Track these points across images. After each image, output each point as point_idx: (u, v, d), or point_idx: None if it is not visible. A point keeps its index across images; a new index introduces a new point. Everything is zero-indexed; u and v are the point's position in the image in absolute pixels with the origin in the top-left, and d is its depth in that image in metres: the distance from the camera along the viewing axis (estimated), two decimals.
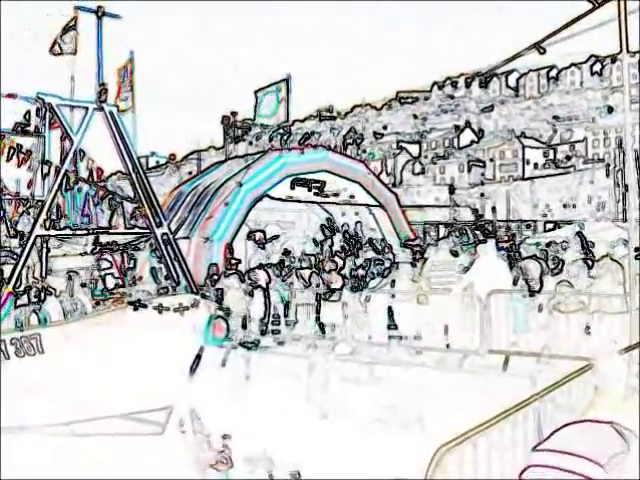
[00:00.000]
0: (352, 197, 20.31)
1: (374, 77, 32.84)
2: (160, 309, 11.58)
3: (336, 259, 14.99)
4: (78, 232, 13.84)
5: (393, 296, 12.55)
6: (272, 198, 18.53)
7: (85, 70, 14.13)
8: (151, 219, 14.46)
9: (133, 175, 14.37)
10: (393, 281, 13.29)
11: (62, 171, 13.52)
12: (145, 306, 11.74)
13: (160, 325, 11.21)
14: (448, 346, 11.27)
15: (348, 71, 30.90)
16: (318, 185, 19.53)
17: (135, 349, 10.29)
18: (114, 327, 11.07)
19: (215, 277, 13.97)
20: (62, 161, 13.65)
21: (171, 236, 14.94)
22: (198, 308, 11.94)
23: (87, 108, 14.01)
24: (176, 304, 11.80)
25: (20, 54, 14.72)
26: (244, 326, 12.81)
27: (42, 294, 12.45)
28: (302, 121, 36.43)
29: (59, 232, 13.56)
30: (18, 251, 13.00)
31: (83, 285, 13.22)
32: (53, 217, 13.38)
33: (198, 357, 11.37)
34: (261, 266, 14.28)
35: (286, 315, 13.47)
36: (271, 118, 18.22)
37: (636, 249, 10.37)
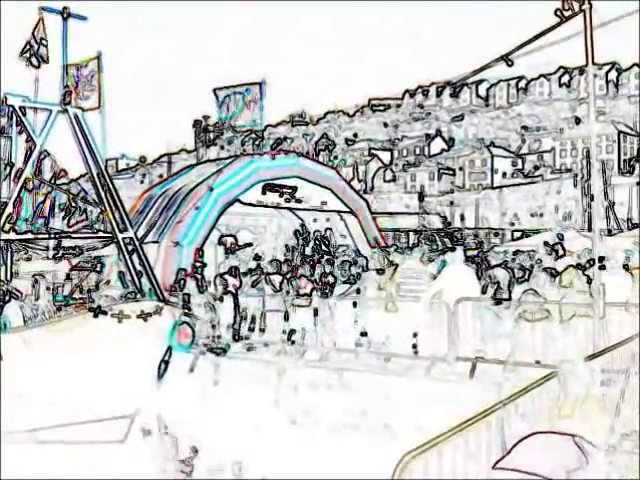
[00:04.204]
0: (324, 203, 20.35)
1: (347, 84, 33.02)
2: (120, 317, 11.44)
3: (307, 265, 15.00)
4: (39, 236, 13.61)
5: (354, 304, 12.58)
6: (243, 203, 18.48)
7: (51, 71, 13.97)
8: (114, 223, 14.26)
9: (96, 178, 14.19)
10: (358, 289, 13.35)
11: (24, 173, 13.31)
12: (105, 313, 11.59)
13: (122, 331, 11.07)
14: (415, 346, 11.33)
15: (321, 77, 30.99)
16: (289, 191, 19.54)
17: (97, 356, 10.16)
18: (75, 333, 10.90)
19: (183, 282, 13.84)
20: (24, 163, 13.43)
21: (137, 241, 14.75)
22: (161, 315, 11.81)
23: (50, 110, 13.82)
24: (138, 311, 11.66)
25: None
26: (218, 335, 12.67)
27: (7, 297, 12.23)
28: (274, 126, 36.42)
29: (20, 236, 13.32)
30: None
31: (49, 289, 13.03)
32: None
33: (166, 363, 11.25)
34: (231, 271, 14.16)
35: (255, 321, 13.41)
36: (233, 119, 18.10)
37: (600, 258, 10.55)
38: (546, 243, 15.08)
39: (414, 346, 11.40)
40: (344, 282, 13.87)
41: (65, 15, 13.91)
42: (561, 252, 14.16)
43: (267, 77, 18.35)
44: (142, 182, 32.35)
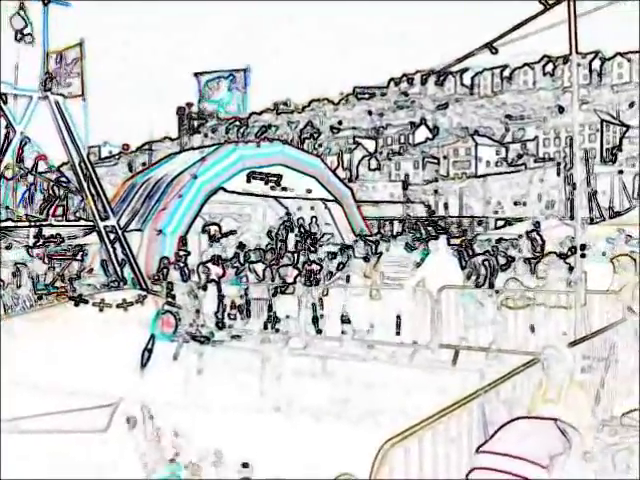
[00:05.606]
0: (309, 191, 20.32)
1: (332, 72, 32.93)
2: (101, 306, 11.36)
3: (293, 254, 14.99)
4: (20, 224, 13.46)
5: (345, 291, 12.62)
6: (227, 191, 18.40)
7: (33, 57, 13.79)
8: (95, 212, 14.14)
9: (78, 166, 14.04)
10: (348, 276, 13.37)
11: (3, 161, 13.15)
12: (86, 302, 11.50)
13: (104, 320, 11.01)
14: (399, 333, 11.37)
15: (306, 65, 30.88)
16: (274, 179, 19.48)
17: (79, 345, 10.11)
18: (56, 322, 10.83)
19: (166, 270, 13.74)
20: (4, 151, 13.28)
21: (119, 230, 14.63)
22: (143, 304, 11.74)
23: (31, 97, 13.65)
24: (119, 300, 11.59)
25: None
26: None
27: None
28: (259, 114, 36.24)
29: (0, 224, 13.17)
30: None
31: (31, 277, 12.90)
32: None
33: (149, 351, 11.20)
34: (215, 259, 14.09)
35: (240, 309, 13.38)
36: (224, 106, 17.97)
37: (582, 246, 10.61)
38: (527, 232, 15.17)
39: (398, 328, 11.44)
40: (330, 271, 13.90)
41: (46, 1, 13.70)
42: (539, 241, 14.21)
43: (252, 65, 18.23)
44: (130, 170, 32.10)
